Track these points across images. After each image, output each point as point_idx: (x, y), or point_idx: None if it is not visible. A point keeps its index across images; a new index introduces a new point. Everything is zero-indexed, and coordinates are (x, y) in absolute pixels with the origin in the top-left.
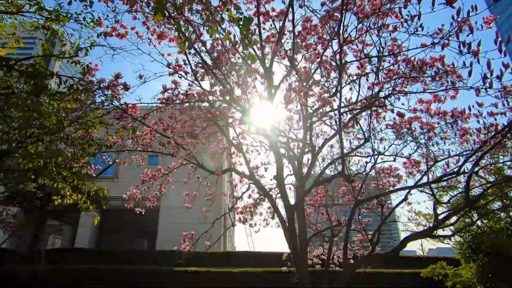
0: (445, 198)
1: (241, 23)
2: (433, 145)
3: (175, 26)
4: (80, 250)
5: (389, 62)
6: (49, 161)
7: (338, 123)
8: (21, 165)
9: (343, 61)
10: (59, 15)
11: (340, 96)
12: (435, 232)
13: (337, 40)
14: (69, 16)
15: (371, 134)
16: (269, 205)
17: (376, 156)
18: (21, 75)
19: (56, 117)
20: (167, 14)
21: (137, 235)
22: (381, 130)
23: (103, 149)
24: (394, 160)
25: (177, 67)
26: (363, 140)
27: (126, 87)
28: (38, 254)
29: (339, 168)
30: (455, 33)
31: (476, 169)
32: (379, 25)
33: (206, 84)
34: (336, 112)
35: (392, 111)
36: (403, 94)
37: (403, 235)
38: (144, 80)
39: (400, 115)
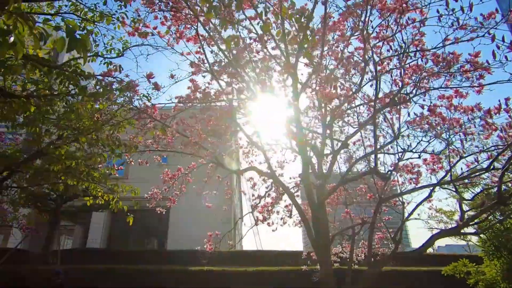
0: (466, 195)
1: (296, 19)
2: (464, 141)
3: (222, 25)
4: (94, 250)
5: (411, 58)
6: (80, 162)
7: (373, 118)
8: (52, 166)
9: (367, 57)
10: (103, 15)
11: (377, 91)
12: (463, 229)
13: (359, 36)
14: (107, 15)
15: (401, 131)
16: (286, 204)
17: (401, 154)
18: (57, 76)
19: (90, 118)
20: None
21: (147, 235)
22: (408, 127)
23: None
24: (419, 157)
25: (197, 67)
26: (392, 137)
27: (157, 87)
28: (54, 255)
29: (359, 166)
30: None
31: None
32: (406, 20)
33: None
34: (356, 109)
35: (422, 107)
36: (443, 89)
37: (413, 232)
38: (176, 80)
39: (431, 111)
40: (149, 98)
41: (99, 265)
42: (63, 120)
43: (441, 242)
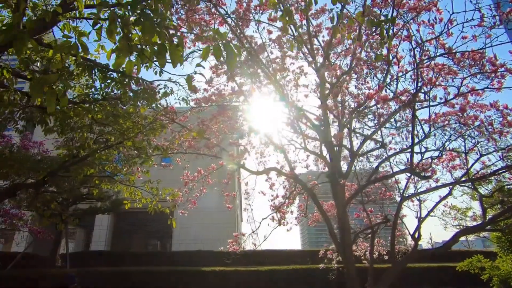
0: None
1: (378, 23)
2: (492, 139)
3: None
4: (101, 253)
5: (429, 57)
6: (118, 167)
7: (411, 116)
8: (85, 171)
9: (392, 56)
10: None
11: (417, 89)
12: (488, 226)
13: (374, 35)
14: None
15: (431, 130)
16: (300, 203)
17: (424, 152)
18: (111, 81)
19: (134, 122)
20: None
21: (150, 236)
22: (441, 127)
23: (156, 153)
24: (442, 155)
25: (215, 68)
26: (423, 136)
27: (195, 90)
28: (62, 258)
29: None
30: None
31: None
32: (433, 19)
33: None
34: (372, 109)
35: (453, 105)
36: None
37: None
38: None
39: (462, 109)
40: (187, 101)
41: (108, 267)
42: (116, 125)
43: (437, 239)
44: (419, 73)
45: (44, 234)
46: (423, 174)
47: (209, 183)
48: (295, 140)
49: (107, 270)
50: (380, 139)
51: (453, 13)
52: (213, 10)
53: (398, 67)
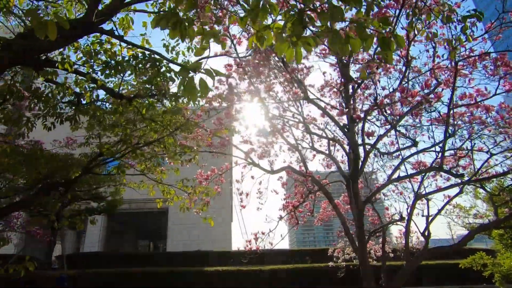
0: (480, 190)
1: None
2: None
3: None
4: (97, 254)
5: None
6: (154, 166)
7: (447, 113)
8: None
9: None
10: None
11: (453, 88)
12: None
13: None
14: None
15: (456, 130)
16: (306, 203)
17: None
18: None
19: (175, 119)
20: None
21: (142, 237)
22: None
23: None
24: (455, 154)
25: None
26: (448, 134)
27: (231, 88)
28: (60, 259)
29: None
30: None
31: None
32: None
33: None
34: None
35: (477, 106)
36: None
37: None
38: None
39: (487, 109)
40: (223, 97)
41: (106, 269)
42: (164, 121)
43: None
44: (456, 73)
45: (42, 235)
46: (455, 172)
47: (222, 182)
48: (301, 139)
49: (106, 272)
50: (413, 137)
51: (503, 12)
52: (225, 3)
53: (411, 68)
